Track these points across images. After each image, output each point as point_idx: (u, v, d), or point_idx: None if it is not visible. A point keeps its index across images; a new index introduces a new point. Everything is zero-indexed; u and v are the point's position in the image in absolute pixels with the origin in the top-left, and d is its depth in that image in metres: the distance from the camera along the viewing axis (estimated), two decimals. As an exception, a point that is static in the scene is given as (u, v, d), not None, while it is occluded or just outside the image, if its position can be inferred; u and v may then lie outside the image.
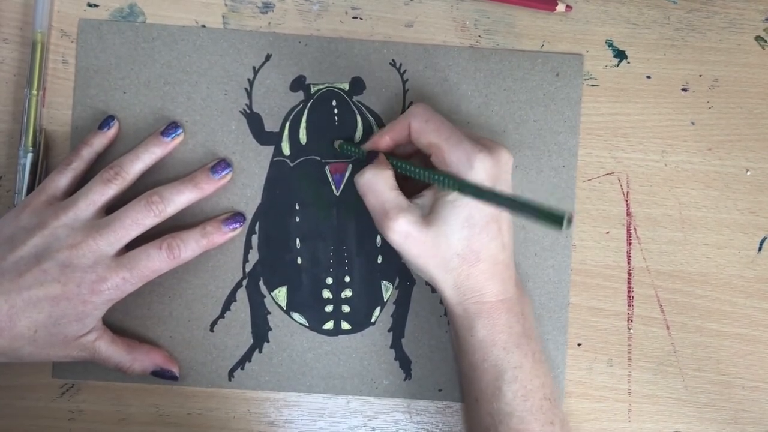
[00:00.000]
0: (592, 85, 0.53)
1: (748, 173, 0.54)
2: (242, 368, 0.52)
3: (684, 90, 0.54)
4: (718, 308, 0.53)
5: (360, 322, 0.53)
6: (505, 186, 0.47)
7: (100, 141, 0.51)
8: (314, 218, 0.52)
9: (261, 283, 0.52)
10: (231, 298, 0.52)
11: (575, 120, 0.53)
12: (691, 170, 0.53)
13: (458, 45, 0.53)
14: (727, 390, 0.53)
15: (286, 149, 0.52)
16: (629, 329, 0.53)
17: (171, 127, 0.51)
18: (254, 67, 0.52)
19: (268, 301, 0.52)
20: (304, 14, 0.53)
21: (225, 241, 0.51)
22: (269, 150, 0.52)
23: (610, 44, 0.53)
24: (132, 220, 0.47)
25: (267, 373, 0.52)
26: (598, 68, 0.53)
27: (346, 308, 0.52)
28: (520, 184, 0.53)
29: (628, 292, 0.53)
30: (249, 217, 0.52)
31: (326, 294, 0.52)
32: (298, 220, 0.52)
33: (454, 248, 0.46)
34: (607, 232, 0.53)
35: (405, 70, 0.53)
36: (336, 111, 0.52)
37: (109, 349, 0.49)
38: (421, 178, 0.46)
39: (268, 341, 0.52)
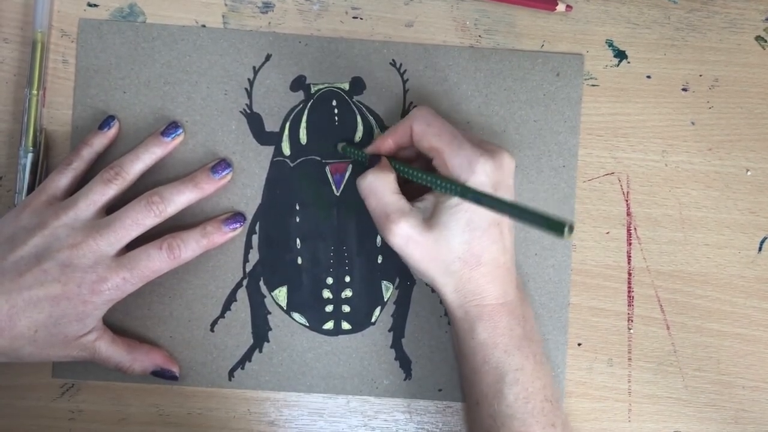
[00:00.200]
0: (593, 85, 0.53)
1: (749, 173, 0.54)
2: (242, 368, 0.52)
3: (684, 90, 0.54)
4: (719, 308, 0.53)
5: (360, 322, 0.53)
6: (506, 190, 0.47)
7: (100, 141, 0.51)
8: (314, 218, 0.52)
9: (261, 283, 0.52)
10: (231, 298, 0.52)
11: (575, 120, 0.53)
12: (691, 170, 0.53)
13: (458, 45, 0.53)
14: (727, 390, 0.53)
15: (286, 149, 0.52)
16: (629, 329, 0.53)
17: (171, 127, 0.51)
18: (254, 67, 0.52)
19: (268, 301, 0.52)
20: (304, 14, 0.53)
21: (225, 241, 0.51)
22: (269, 150, 0.52)
23: (610, 44, 0.53)
24: (132, 220, 0.47)
25: (267, 373, 0.52)
26: (598, 68, 0.53)
27: (346, 308, 0.52)
28: (520, 184, 0.53)
29: (629, 292, 0.53)
30: (249, 217, 0.52)
31: (326, 294, 0.52)
32: (298, 220, 0.52)
33: (455, 252, 0.46)
34: (608, 232, 0.53)
35: (405, 70, 0.53)
36: (336, 111, 0.52)
37: (109, 349, 0.49)
38: (423, 182, 0.46)
39: (268, 341, 0.52)
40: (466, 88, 0.53)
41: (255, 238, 0.52)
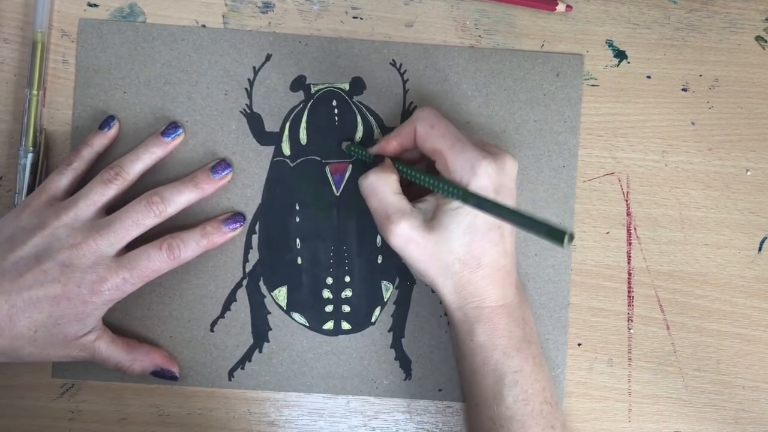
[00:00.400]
0: (592, 85, 0.53)
1: (749, 173, 0.54)
2: (242, 368, 0.52)
3: (684, 90, 0.54)
4: (718, 308, 0.53)
5: (360, 322, 0.53)
6: (508, 193, 0.47)
7: (100, 141, 0.51)
8: (314, 218, 0.52)
9: (261, 283, 0.52)
10: (231, 298, 0.52)
11: (575, 120, 0.53)
12: (691, 170, 0.53)
13: (458, 45, 0.53)
14: (727, 390, 0.53)
15: (286, 149, 0.52)
16: (629, 329, 0.53)
17: (171, 127, 0.51)
18: (254, 67, 0.52)
19: (268, 301, 0.52)
20: (304, 14, 0.53)
21: (225, 241, 0.51)
22: (269, 150, 0.52)
23: (610, 44, 0.53)
24: (132, 221, 0.47)
25: (267, 373, 0.52)
26: (598, 68, 0.53)
27: (346, 308, 0.52)
28: (520, 184, 0.53)
29: (628, 292, 0.53)
30: (249, 217, 0.52)
31: (326, 294, 0.52)
32: (298, 220, 0.52)
33: (456, 254, 0.46)
34: (607, 232, 0.53)
35: (405, 70, 0.53)
36: (336, 111, 0.52)
37: (109, 349, 0.49)
38: (426, 185, 0.46)
39: (268, 341, 0.52)
40: (466, 88, 0.53)
41: (255, 238, 0.52)
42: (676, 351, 0.53)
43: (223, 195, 0.52)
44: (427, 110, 0.48)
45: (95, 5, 0.52)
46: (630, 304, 0.53)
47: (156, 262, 0.48)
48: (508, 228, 0.47)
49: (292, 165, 0.52)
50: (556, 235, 0.39)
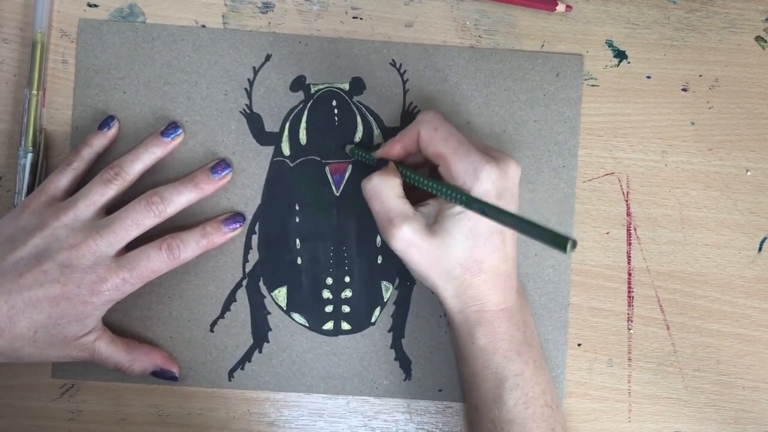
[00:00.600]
0: (592, 85, 0.53)
1: (749, 173, 0.54)
2: (242, 368, 0.52)
3: (684, 90, 0.54)
4: (718, 308, 0.53)
5: (360, 322, 0.53)
6: (511, 198, 0.47)
7: (100, 141, 0.51)
8: (314, 218, 0.52)
9: (261, 283, 0.52)
10: (231, 299, 0.52)
11: (575, 120, 0.53)
12: (691, 170, 0.53)
13: (458, 45, 0.53)
14: (727, 390, 0.53)
15: (286, 149, 0.52)
16: (629, 329, 0.53)
17: (171, 127, 0.51)
18: (254, 67, 0.52)
19: (268, 301, 0.52)
20: (304, 14, 0.53)
21: (225, 242, 0.51)
22: (269, 150, 0.52)
23: (610, 44, 0.53)
24: (132, 221, 0.47)
25: (267, 373, 0.52)
26: (598, 68, 0.53)
27: (346, 308, 0.52)
28: (520, 184, 0.53)
29: (628, 292, 0.53)
30: (249, 217, 0.52)
31: (326, 294, 0.52)
32: (298, 220, 0.52)
33: (457, 258, 0.46)
34: (607, 233, 0.53)
35: (405, 70, 0.53)
36: (336, 111, 0.52)
37: (109, 349, 0.49)
38: (429, 189, 0.46)
39: (268, 341, 0.52)
40: (466, 88, 0.53)
41: (255, 239, 0.52)
42: (676, 351, 0.53)
43: (223, 195, 0.52)
44: (430, 114, 0.48)
45: (95, 5, 0.52)
46: (630, 305, 0.53)
47: (156, 262, 0.48)
48: (509, 232, 0.47)
49: (291, 165, 0.52)
50: (559, 241, 0.39)
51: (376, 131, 0.53)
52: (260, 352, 0.52)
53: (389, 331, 0.53)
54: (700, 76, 0.54)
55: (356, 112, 0.53)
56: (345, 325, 0.52)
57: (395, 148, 0.49)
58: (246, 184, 0.52)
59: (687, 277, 0.53)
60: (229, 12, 0.53)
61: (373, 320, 0.53)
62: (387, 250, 0.52)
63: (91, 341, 0.48)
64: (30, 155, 0.51)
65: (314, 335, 0.52)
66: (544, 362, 0.49)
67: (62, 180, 0.49)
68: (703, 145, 0.54)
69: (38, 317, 0.46)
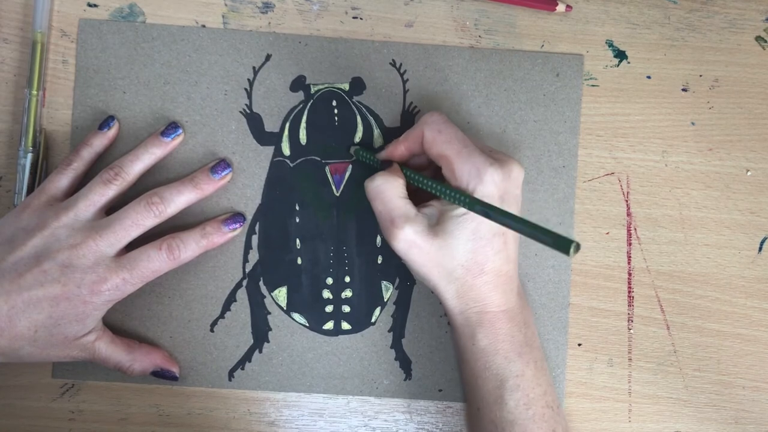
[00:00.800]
0: (592, 85, 0.53)
1: (749, 173, 0.54)
2: (242, 368, 0.52)
3: (684, 90, 0.54)
4: (718, 308, 0.53)
5: (360, 322, 0.53)
6: (514, 200, 0.47)
7: (100, 141, 0.51)
8: (314, 218, 0.52)
9: (261, 283, 0.52)
10: (231, 299, 0.52)
11: (575, 120, 0.53)
12: (691, 170, 0.53)
13: (458, 45, 0.53)
14: (727, 390, 0.53)
15: (286, 149, 0.52)
16: (629, 329, 0.53)
17: (171, 128, 0.51)
18: (254, 67, 0.52)
19: (268, 301, 0.52)
20: (304, 14, 0.53)
21: (225, 242, 0.51)
22: (269, 150, 0.52)
23: (610, 44, 0.53)
24: (132, 221, 0.47)
25: (267, 373, 0.52)
26: (598, 68, 0.53)
27: (346, 308, 0.52)
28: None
29: (629, 292, 0.53)
30: (249, 217, 0.52)
31: (326, 294, 0.52)
32: (298, 220, 0.52)
33: (459, 260, 0.46)
34: (608, 233, 0.53)
35: (405, 70, 0.53)
36: (336, 111, 0.52)
37: (109, 349, 0.49)
38: (433, 191, 0.46)
39: (268, 341, 0.52)
40: (466, 88, 0.53)
41: (255, 239, 0.52)
42: (676, 351, 0.53)
43: (223, 195, 0.52)
44: (435, 115, 0.48)
45: (95, 5, 0.52)
46: (630, 305, 0.53)
47: (156, 262, 0.48)
48: (511, 234, 0.47)
49: (291, 165, 0.52)
50: (562, 244, 0.38)
51: (376, 131, 0.53)
52: (260, 352, 0.52)
53: (389, 331, 0.53)
54: (700, 76, 0.54)
55: (356, 112, 0.53)
56: (345, 325, 0.52)
57: (399, 148, 0.49)
58: (246, 184, 0.52)
59: (687, 277, 0.53)
60: (229, 12, 0.53)
61: (373, 320, 0.53)
62: (387, 250, 0.52)
63: (92, 341, 0.48)
64: (30, 155, 0.51)
65: (314, 335, 0.52)
66: (545, 363, 0.49)
67: (62, 180, 0.49)
68: (703, 145, 0.54)
69: (38, 317, 0.46)
